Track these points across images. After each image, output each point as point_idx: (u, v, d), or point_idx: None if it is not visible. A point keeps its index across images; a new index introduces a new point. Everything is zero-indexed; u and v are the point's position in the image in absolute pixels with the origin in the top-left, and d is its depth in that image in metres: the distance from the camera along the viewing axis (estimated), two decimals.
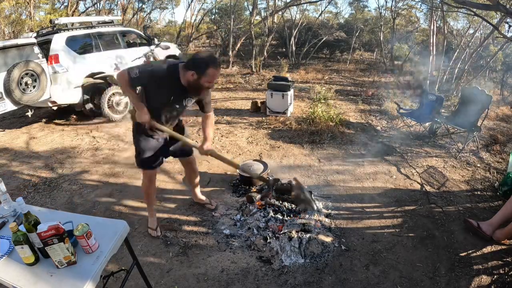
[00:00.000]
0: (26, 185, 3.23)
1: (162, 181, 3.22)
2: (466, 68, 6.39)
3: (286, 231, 2.33)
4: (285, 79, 5.22)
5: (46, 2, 11.09)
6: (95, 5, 12.06)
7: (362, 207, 2.81)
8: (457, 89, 6.04)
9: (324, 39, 10.28)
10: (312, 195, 2.73)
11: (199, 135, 4.43)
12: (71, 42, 4.77)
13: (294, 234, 2.33)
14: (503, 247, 2.31)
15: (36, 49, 4.54)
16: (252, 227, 2.46)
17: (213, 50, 12.46)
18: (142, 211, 2.76)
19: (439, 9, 6.09)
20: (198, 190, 2.77)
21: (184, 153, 2.45)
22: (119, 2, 12.68)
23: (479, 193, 3.02)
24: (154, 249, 2.33)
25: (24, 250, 1.25)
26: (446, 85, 6.46)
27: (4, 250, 1.35)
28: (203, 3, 13.42)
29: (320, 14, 12.10)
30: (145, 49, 5.74)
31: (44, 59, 4.57)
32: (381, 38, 9.49)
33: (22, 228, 1.26)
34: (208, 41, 15.53)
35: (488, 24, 5.63)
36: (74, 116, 5.20)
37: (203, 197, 2.80)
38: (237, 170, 3.13)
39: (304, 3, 10.16)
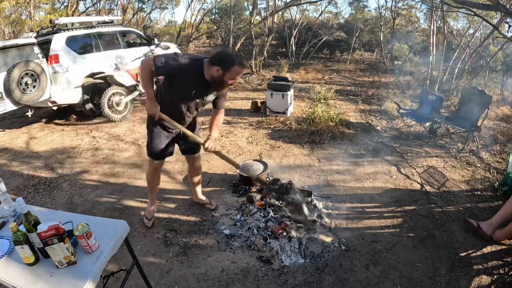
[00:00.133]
0: (26, 185, 3.23)
1: (162, 181, 3.20)
2: (466, 68, 6.40)
3: (284, 233, 2.34)
4: (285, 79, 5.22)
5: (46, 2, 11.09)
6: (95, 5, 12.07)
7: (362, 207, 2.81)
8: (457, 89, 6.04)
9: (324, 39, 10.28)
10: (306, 203, 2.55)
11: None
12: (71, 42, 4.77)
13: (293, 234, 2.33)
14: (503, 247, 2.31)
15: (36, 49, 4.55)
16: (252, 227, 2.46)
17: (213, 50, 12.47)
18: (142, 211, 2.76)
19: (439, 9, 6.09)
20: (199, 189, 2.77)
21: (191, 149, 2.47)
22: (119, 2, 12.69)
23: (479, 193, 3.02)
24: (154, 249, 2.33)
25: (24, 250, 1.25)
26: (446, 85, 6.46)
27: (4, 250, 1.35)
28: (203, 3, 13.44)
29: (320, 14, 12.11)
30: (145, 49, 5.74)
31: (44, 59, 4.57)
32: (381, 38, 9.49)
33: (22, 228, 1.26)
34: (208, 41, 15.54)
35: (488, 24, 5.63)
36: (74, 116, 5.20)
37: (203, 197, 2.80)
38: (237, 170, 3.13)
39: (304, 3, 10.16)
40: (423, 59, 8.92)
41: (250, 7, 10.45)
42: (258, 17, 10.93)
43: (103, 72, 4.94)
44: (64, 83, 4.63)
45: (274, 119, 4.96)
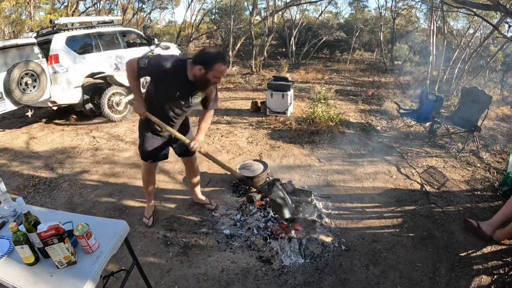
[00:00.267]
0: (26, 185, 3.23)
1: (162, 181, 3.22)
2: (466, 68, 6.39)
3: (284, 234, 2.34)
4: (285, 79, 5.22)
5: (46, 2, 11.09)
6: (95, 5, 12.08)
7: (362, 207, 2.81)
8: (457, 89, 6.04)
9: (324, 39, 10.29)
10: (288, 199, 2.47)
11: None
12: (71, 42, 4.77)
13: (293, 234, 2.33)
14: (503, 247, 2.31)
15: (36, 49, 4.55)
16: (252, 227, 2.46)
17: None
18: (142, 211, 2.76)
19: (439, 9, 6.09)
20: (198, 190, 2.77)
21: (186, 151, 2.44)
22: (119, 2, 12.70)
23: (479, 193, 3.02)
24: (154, 249, 2.33)
25: (24, 250, 1.25)
26: (446, 85, 6.46)
27: (4, 250, 1.35)
28: (203, 3, 13.46)
29: (320, 14, 12.12)
30: (145, 49, 5.74)
31: (44, 59, 4.57)
32: (381, 38, 9.49)
33: (22, 228, 1.26)
34: (208, 41, 15.54)
35: (488, 24, 5.63)
36: (74, 116, 5.20)
37: (203, 197, 2.80)
38: (237, 171, 3.13)
39: (304, 3, 10.16)
40: (423, 59, 8.93)
41: (250, 7, 10.46)
42: (258, 17, 10.94)
43: (103, 72, 4.94)
44: (64, 83, 4.63)
45: (274, 119, 4.96)
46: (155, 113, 2.13)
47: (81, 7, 12.13)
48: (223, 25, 12.16)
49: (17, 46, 4.36)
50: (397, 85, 7.09)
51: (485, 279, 2.06)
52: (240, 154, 3.84)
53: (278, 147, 4.00)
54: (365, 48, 12.27)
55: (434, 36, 6.34)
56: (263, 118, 5.05)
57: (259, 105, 5.38)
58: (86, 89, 4.88)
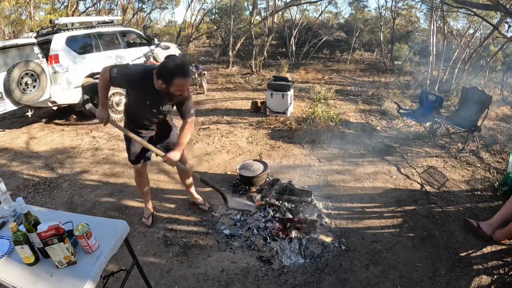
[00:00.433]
0: (26, 185, 3.23)
1: (162, 181, 3.22)
2: (466, 68, 6.40)
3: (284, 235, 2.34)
4: (285, 79, 5.22)
5: (46, 2, 11.09)
6: (95, 5, 12.07)
7: (362, 207, 2.81)
8: (457, 89, 6.04)
9: (324, 39, 10.28)
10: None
11: (199, 134, 4.43)
12: (71, 42, 4.77)
13: (294, 234, 2.34)
14: (503, 247, 2.31)
15: (36, 49, 4.55)
16: (252, 227, 2.46)
17: (213, 50, 12.47)
18: (142, 211, 2.76)
19: (439, 9, 6.09)
20: (193, 190, 2.78)
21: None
22: (119, 2, 12.69)
23: (479, 193, 3.02)
24: (154, 249, 2.33)
25: (24, 250, 1.25)
26: (446, 85, 6.46)
27: (4, 250, 1.35)
28: (203, 3, 13.44)
29: (320, 14, 12.11)
30: (145, 49, 5.74)
31: (44, 59, 4.57)
32: (381, 38, 9.49)
33: (22, 228, 1.26)
34: (208, 41, 15.54)
35: (488, 24, 5.63)
36: (74, 116, 5.20)
37: (198, 197, 2.81)
38: (237, 170, 3.14)
39: (304, 3, 10.16)
40: (423, 59, 8.93)
41: (250, 7, 10.46)
42: (258, 17, 10.94)
43: None
44: (64, 83, 4.63)
45: (274, 119, 4.96)
46: (132, 119, 2.19)
47: (81, 7, 12.15)
48: (223, 25, 12.16)
49: (17, 46, 4.36)
50: (397, 85, 7.09)
51: (485, 279, 2.06)
52: (240, 154, 3.84)
53: (278, 147, 4.00)
54: (365, 48, 12.27)
55: (434, 36, 6.35)
56: (263, 118, 5.05)
57: (259, 105, 5.38)
58: (86, 89, 4.88)
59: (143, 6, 13.61)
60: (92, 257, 1.32)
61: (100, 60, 5.12)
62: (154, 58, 5.52)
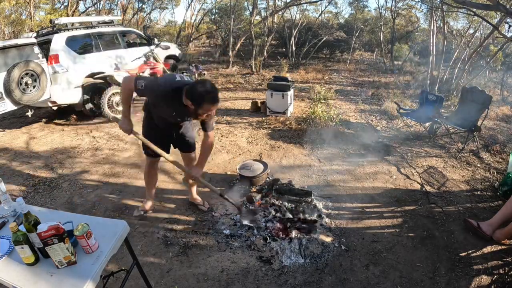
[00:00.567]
0: (26, 185, 3.23)
1: (162, 181, 3.22)
2: (466, 68, 6.40)
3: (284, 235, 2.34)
4: (285, 79, 5.22)
5: (46, 2, 11.08)
6: (95, 5, 12.07)
7: (362, 207, 2.81)
8: (457, 89, 6.04)
9: (324, 39, 10.28)
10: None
11: (199, 134, 4.43)
12: (71, 42, 4.77)
13: (294, 234, 2.34)
14: (503, 247, 2.31)
15: (36, 49, 4.55)
16: (252, 227, 2.46)
17: (213, 50, 12.47)
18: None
19: (439, 9, 6.09)
20: (194, 189, 2.79)
21: (186, 147, 2.49)
22: (119, 2, 12.69)
23: (479, 193, 3.02)
24: (154, 249, 2.34)
25: (24, 250, 1.25)
26: (446, 85, 6.46)
27: (4, 250, 1.35)
28: (203, 3, 13.44)
29: (320, 14, 12.11)
30: (145, 49, 5.74)
31: (44, 59, 4.57)
32: (381, 38, 9.49)
33: (22, 228, 1.26)
34: (208, 41, 15.54)
35: (488, 24, 5.63)
36: (74, 116, 5.20)
37: (198, 197, 2.81)
38: (237, 170, 3.14)
39: (304, 3, 10.16)
40: (423, 59, 8.93)
41: (250, 7, 10.46)
42: (258, 17, 10.93)
43: (103, 72, 4.94)
44: (64, 83, 4.63)
45: (274, 119, 4.96)
46: (153, 117, 2.25)
47: (81, 7, 12.14)
48: (223, 25, 12.16)
49: (17, 46, 4.36)
50: (397, 85, 7.09)
51: (485, 279, 2.06)
52: (240, 154, 3.84)
53: (278, 147, 4.00)
54: (365, 48, 12.27)
55: (434, 36, 6.35)
56: (263, 118, 5.05)
57: (259, 105, 5.38)
58: (86, 89, 4.88)
59: (143, 6, 13.62)
60: (92, 257, 1.32)
61: (100, 60, 5.12)
62: (154, 58, 5.52)
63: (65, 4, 11.29)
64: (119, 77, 4.86)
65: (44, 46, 4.67)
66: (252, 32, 9.20)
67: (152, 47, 5.66)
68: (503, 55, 6.86)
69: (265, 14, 10.90)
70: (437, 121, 4.12)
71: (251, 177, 3.03)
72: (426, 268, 2.13)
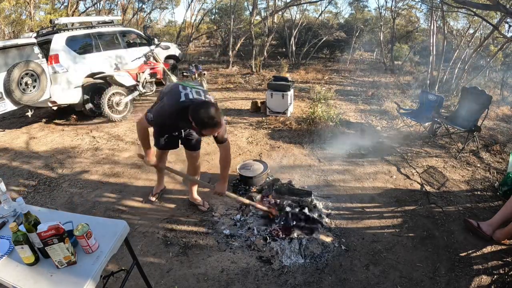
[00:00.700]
0: (26, 185, 3.23)
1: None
2: (466, 68, 6.40)
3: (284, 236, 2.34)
4: (285, 79, 5.22)
5: (46, 2, 11.07)
6: (95, 5, 12.06)
7: (362, 207, 2.81)
8: (457, 89, 6.04)
9: (324, 39, 10.28)
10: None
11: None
12: (71, 42, 4.77)
13: (296, 234, 2.34)
14: (503, 247, 2.31)
15: (36, 49, 4.55)
16: (252, 227, 2.46)
17: (213, 50, 12.47)
18: (142, 211, 2.77)
19: (439, 9, 6.09)
20: (195, 189, 2.79)
21: (192, 146, 2.56)
22: (119, 2, 12.69)
23: (479, 193, 3.02)
24: (154, 249, 2.34)
25: (24, 250, 1.25)
26: (446, 85, 6.46)
27: (4, 250, 1.35)
28: (203, 3, 13.43)
29: (320, 14, 12.10)
30: (145, 49, 5.74)
31: (44, 59, 4.57)
32: (381, 38, 9.49)
33: (22, 228, 1.26)
34: (208, 41, 15.54)
35: (488, 24, 5.63)
36: (74, 116, 5.20)
37: (198, 197, 2.81)
38: (237, 170, 3.14)
39: (304, 3, 10.16)
40: (423, 59, 8.93)
41: (250, 7, 10.45)
42: (258, 17, 10.93)
43: (103, 72, 4.94)
44: (64, 83, 4.63)
45: (274, 119, 4.96)
46: (165, 129, 2.42)
47: (81, 7, 12.13)
48: (223, 25, 12.15)
49: (17, 46, 4.36)
50: (397, 85, 7.09)
51: (485, 279, 2.06)
52: (240, 154, 3.84)
53: (278, 147, 4.00)
54: (365, 48, 12.27)
55: (434, 36, 6.35)
56: (263, 118, 5.05)
57: (259, 105, 5.38)
58: (86, 89, 4.88)
59: (143, 6, 13.60)
60: (92, 257, 1.32)
61: (100, 60, 5.12)
62: (154, 58, 5.52)
63: (65, 4, 11.28)
64: (119, 77, 4.86)
65: (44, 46, 4.67)
66: (252, 32, 9.20)
67: (152, 47, 5.67)
68: (503, 55, 6.87)
69: (265, 14, 10.90)
70: (437, 121, 4.12)
71: (251, 177, 3.03)
72: (426, 268, 2.13)
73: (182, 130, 2.45)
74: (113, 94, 4.87)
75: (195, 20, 13.12)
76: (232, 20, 9.55)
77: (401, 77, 7.99)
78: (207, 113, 1.84)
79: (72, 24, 5.03)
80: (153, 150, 2.46)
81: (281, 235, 2.35)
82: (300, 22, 10.57)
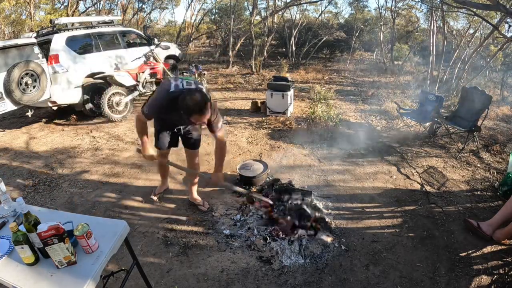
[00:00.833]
0: (26, 185, 3.23)
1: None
2: (466, 68, 6.40)
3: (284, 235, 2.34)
4: (285, 79, 5.22)
5: (46, 2, 11.07)
6: (95, 5, 12.06)
7: (362, 207, 2.81)
8: (457, 89, 6.04)
9: (324, 39, 10.28)
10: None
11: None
12: (71, 42, 4.77)
13: (298, 234, 2.34)
14: (503, 247, 2.32)
15: (36, 49, 4.54)
16: (252, 227, 2.46)
17: (213, 50, 12.47)
18: (142, 211, 2.77)
19: (439, 9, 6.09)
20: (194, 188, 2.79)
21: (191, 145, 2.57)
22: (119, 2, 12.68)
23: (479, 193, 3.02)
24: (154, 249, 2.34)
25: (24, 250, 1.25)
26: (446, 85, 6.46)
27: (4, 250, 1.35)
28: (203, 3, 13.43)
29: (320, 14, 12.10)
30: (145, 49, 5.74)
31: (44, 59, 4.57)
32: (381, 38, 9.49)
33: (22, 228, 1.26)
34: (208, 41, 15.54)
35: (488, 24, 5.63)
36: (74, 116, 5.20)
37: (198, 197, 2.82)
38: (237, 170, 3.15)
39: (304, 3, 10.16)
40: (423, 59, 8.93)
41: (250, 7, 10.45)
42: (258, 17, 10.93)
43: (103, 72, 4.94)
44: (64, 83, 4.63)
45: (274, 119, 4.96)
46: (163, 125, 2.44)
47: (81, 7, 12.12)
48: (223, 25, 12.15)
49: (17, 46, 4.36)
50: (397, 85, 7.09)
51: (485, 279, 2.06)
52: (240, 154, 3.84)
53: (278, 147, 4.00)
54: (365, 48, 12.26)
55: (434, 36, 6.35)
56: (263, 118, 5.05)
57: (259, 105, 5.38)
58: (86, 89, 4.88)
59: (143, 6, 13.60)
60: (92, 257, 1.32)
61: (100, 60, 5.12)
62: (154, 58, 5.52)
63: (65, 4, 11.28)
64: (119, 77, 4.86)
65: (44, 46, 4.67)
66: (252, 32, 9.20)
67: (152, 47, 5.67)
68: (503, 55, 6.87)
69: (265, 14, 10.90)
70: (437, 121, 4.12)
71: (251, 177, 3.03)
72: (426, 268, 2.13)
73: (181, 128, 2.45)
74: (113, 94, 4.87)
75: (195, 20, 13.12)
76: (232, 20, 9.55)
77: (401, 77, 7.99)
78: (192, 99, 1.86)
79: (72, 24, 5.03)
80: (150, 141, 2.43)
81: (281, 235, 2.35)
82: (300, 22, 10.57)
